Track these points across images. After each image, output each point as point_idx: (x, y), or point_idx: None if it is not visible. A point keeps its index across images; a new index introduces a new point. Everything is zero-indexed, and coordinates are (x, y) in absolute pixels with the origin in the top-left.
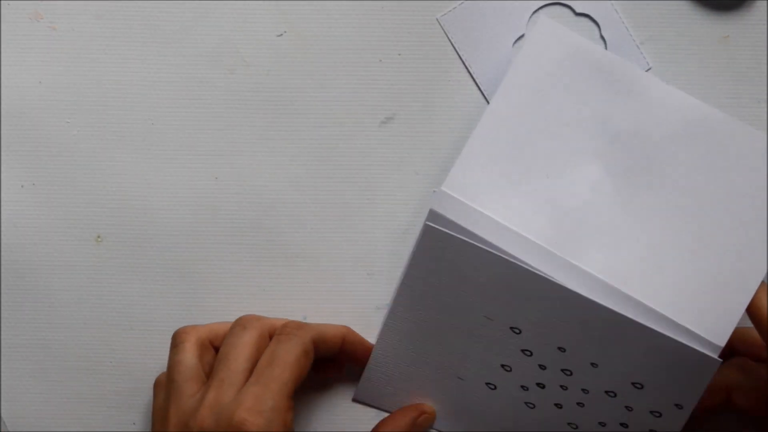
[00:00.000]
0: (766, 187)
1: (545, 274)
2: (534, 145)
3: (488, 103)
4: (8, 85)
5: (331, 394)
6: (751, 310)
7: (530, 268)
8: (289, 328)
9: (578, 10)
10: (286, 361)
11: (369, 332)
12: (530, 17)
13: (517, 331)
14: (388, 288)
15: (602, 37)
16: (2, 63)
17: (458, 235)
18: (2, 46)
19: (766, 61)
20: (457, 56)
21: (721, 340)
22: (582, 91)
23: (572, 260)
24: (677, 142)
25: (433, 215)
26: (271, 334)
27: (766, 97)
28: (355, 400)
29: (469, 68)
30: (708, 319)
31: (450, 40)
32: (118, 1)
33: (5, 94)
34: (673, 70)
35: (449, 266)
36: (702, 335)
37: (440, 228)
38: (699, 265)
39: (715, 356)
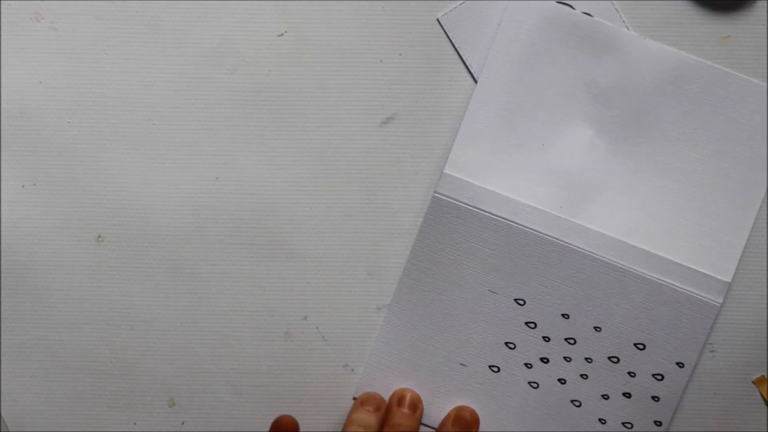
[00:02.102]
0: (753, 126)
1: (551, 236)
2: (526, 116)
3: None
4: (8, 85)
5: (332, 391)
6: None
7: (535, 232)
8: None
9: (579, 9)
10: None
11: (369, 332)
12: None
13: (522, 302)
14: (388, 288)
15: None
16: (2, 63)
17: (465, 203)
18: (2, 46)
19: (766, 61)
20: (457, 56)
21: (728, 276)
22: (563, 55)
23: (577, 221)
24: (663, 93)
25: (437, 199)
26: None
27: (766, 96)
28: (356, 398)
29: (470, 67)
30: (712, 257)
31: (450, 40)
32: (118, 1)
33: (5, 94)
34: None
35: (455, 239)
36: (709, 273)
37: (448, 197)
38: (697, 207)
39: (721, 297)
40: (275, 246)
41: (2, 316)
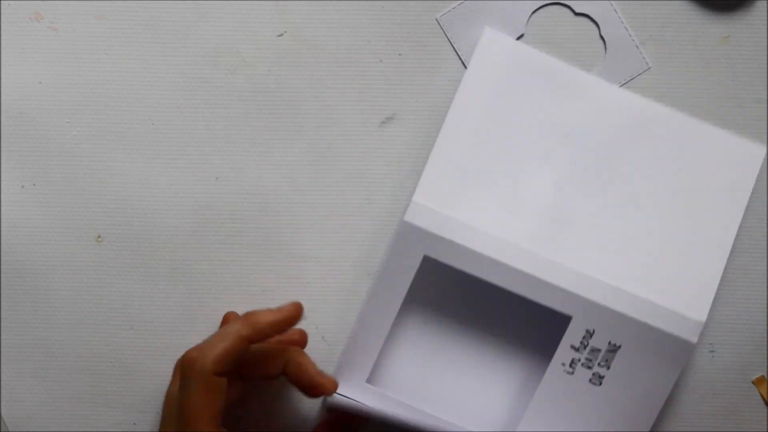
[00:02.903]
0: (709, 168)
1: (521, 269)
2: (496, 150)
3: None
4: (8, 85)
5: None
6: None
7: (505, 264)
8: (188, 360)
9: (578, 10)
10: (193, 406)
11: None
12: (529, 18)
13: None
14: None
15: (602, 37)
16: (2, 63)
17: (434, 232)
18: (2, 46)
19: (766, 61)
20: (456, 56)
21: (702, 315)
22: (530, 96)
23: (548, 255)
24: (629, 137)
25: (406, 226)
26: (184, 366)
27: (766, 97)
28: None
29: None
30: (686, 297)
31: (449, 40)
32: (119, 1)
33: (5, 94)
34: (673, 70)
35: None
36: (683, 312)
37: (417, 225)
38: (668, 247)
39: (695, 337)
40: (275, 246)
41: (2, 316)
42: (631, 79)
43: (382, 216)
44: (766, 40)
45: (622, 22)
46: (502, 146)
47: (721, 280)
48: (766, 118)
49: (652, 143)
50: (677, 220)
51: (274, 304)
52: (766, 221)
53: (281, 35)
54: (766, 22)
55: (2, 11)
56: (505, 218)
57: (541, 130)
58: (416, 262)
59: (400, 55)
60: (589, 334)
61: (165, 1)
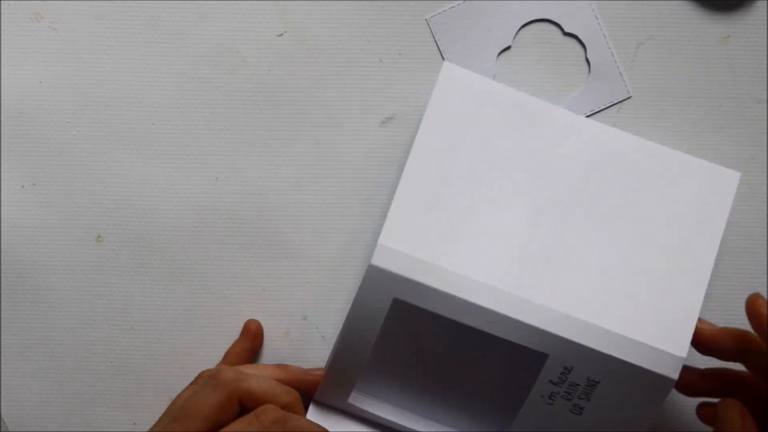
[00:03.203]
0: (684, 197)
1: (495, 310)
2: (464, 187)
3: None
4: (8, 85)
5: None
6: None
7: (479, 305)
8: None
9: (567, 30)
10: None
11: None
12: (517, 32)
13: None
14: None
15: (587, 60)
16: (2, 63)
17: (403, 275)
18: (2, 46)
19: (766, 61)
20: (441, 58)
21: (683, 351)
22: (497, 131)
23: (522, 295)
24: (601, 170)
25: (373, 269)
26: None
27: (766, 97)
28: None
29: None
30: (665, 332)
31: (436, 42)
32: (119, 1)
33: (5, 94)
34: (673, 70)
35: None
36: (663, 348)
37: (385, 269)
38: (645, 281)
39: (676, 374)
40: (275, 246)
41: (2, 316)
42: (611, 105)
43: (382, 216)
44: (766, 40)
45: (609, 48)
46: (470, 183)
47: (722, 280)
48: (766, 118)
49: (625, 175)
50: (653, 254)
51: (274, 304)
52: (766, 221)
53: (281, 35)
54: (766, 22)
55: (2, 11)
56: (476, 258)
57: (510, 166)
58: (386, 305)
59: (400, 55)
60: (567, 370)
61: (165, 1)
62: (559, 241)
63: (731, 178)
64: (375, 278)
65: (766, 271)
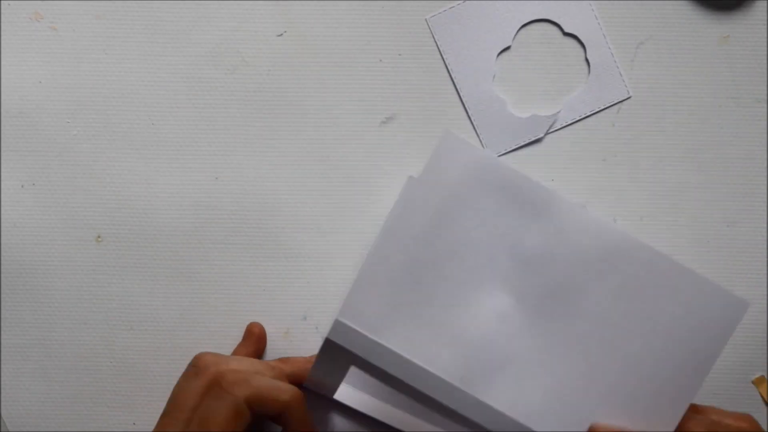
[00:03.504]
0: (683, 316)
1: (448, 406)
2: (437, 270)
3: (467, 111)
4: (8, 85)
5: None
6: None
7: (431, 398)
8: (227, 381)
9: (566, 30)
10: (217, 422)
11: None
12: (517, 31)
13: None
14: None
15: (587, 60)
16: (2, 63)
17: (358, 355)
18: (2, 46)
19: (766, 61)
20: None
21: None
22: (489, 211)
23: (478, 395)
24: (592, 269)
25: (330, 344)
26: (219, 380)
27: (766, 97)
28: None
29: (451, 72)
30: None
31: (435, 42)
32: (118, 1)
33: (5, 94)
34: (673, 70)
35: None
36: None
37: (341, 345)
38: (617, 398)
39: None
40: (275, 246)
41: (2, 316)
42: (611, 105)
43: (382, 216)
44: (765, 40)
45: (609, 48)
46: (447, 263)
47: (722, 280)
48: (766, 118)
49: (621, 279)
50: (633, 369)
51: (274, 304)
52: (766, 221)
53: (281, 35)
54: (765, 22)
55: (2, 11)
56: (437, 350)
57: (493, 252)
58: (344, 370)
59: (399, 55)
60: None
61: (165, 1)
62: (530, 342)
63: (739, 306)
64: (331, 351)
65: (766, 271)
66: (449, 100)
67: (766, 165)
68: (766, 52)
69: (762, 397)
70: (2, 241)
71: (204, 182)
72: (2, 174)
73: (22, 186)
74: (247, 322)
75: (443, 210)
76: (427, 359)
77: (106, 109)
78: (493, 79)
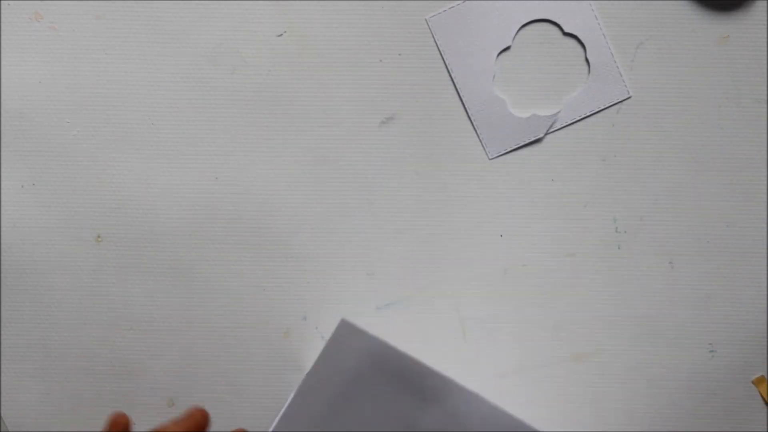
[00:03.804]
0: None
1: None
2: None
3: (467, 111)
4: (8, 85)
5: None
6: None
7: None
8: None
9: (566, 30)
10: None
11: (369, 331)
12: (517, 31)
13: None
14: (387, 288)
15: (587, 60)
16: (2, 63)
17: None
18: (2, 46)
19: (766, 61)
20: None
21: None
22: (385, 396)
23: None
24: None
25: None
26: None
27: (766, 97)
28: None
29: (451, 72)
30: None
31: (435, 42)
32: (118, 1)
33: (5, 94)
34: (672, 70)
35: None
36: None
37: None
38: None
39: None
40: (275, 246)
41: (2, 316)
42: (611, 105)
43: (382, 216)
44: (765, 40)
45: (609, 48)
46: None
47: (722, 280)
48: (766, 118)
49: None
50: None
51: (274, 304)
52: (766, 221)
53: (281, 35)
54: (765, 22)
55: (2, 11)
56: None
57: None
58: None
59: (399, 55)
60: None
61: (165, 1)
62: None
63: None
64: None
65: (766, 271)
66: (449, 100)
67: (766, 165)
68: (766, 52)
69: (762, 397)
70: (2, 241)
71: (204, 182)
72: (2, 174)
73: (22, 186)
74: (248, 322)
75: (343, 395)
76: None
77: (106, 109)
78: (493, 79)
